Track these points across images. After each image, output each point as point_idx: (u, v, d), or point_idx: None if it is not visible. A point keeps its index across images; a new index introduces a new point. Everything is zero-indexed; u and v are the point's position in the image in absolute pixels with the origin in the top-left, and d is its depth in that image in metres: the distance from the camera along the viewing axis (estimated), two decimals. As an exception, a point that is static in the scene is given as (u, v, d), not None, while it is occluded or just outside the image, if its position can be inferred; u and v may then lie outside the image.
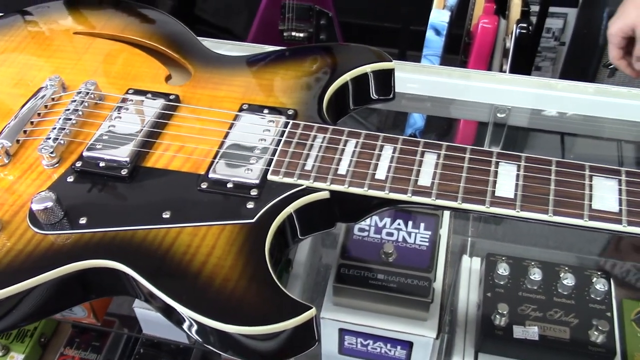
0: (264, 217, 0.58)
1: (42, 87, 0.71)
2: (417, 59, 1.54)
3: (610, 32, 1.04)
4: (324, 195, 0.59)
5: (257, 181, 0.60)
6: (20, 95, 0.71)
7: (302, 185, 0.59)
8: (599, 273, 0.75)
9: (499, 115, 0.80)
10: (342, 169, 0.59)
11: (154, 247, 0.57)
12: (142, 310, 0.76)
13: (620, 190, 0.55)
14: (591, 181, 0.56)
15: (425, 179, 0.58)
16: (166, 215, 0.59)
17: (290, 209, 0.58)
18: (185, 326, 0.55)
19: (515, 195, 0.56)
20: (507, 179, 0.57)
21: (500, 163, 0.58)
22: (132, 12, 0.81)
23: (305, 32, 1.83)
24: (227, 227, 0.57)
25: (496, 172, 0.57)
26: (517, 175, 0.57)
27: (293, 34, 1.83)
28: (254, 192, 0.59)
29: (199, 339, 0.55)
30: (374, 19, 2.19)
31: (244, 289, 0.53)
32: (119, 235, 0.58)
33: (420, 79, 0.82)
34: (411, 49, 2.00)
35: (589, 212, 0.54)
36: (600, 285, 0.73)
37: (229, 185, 0.60)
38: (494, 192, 0.56)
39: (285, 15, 1.81)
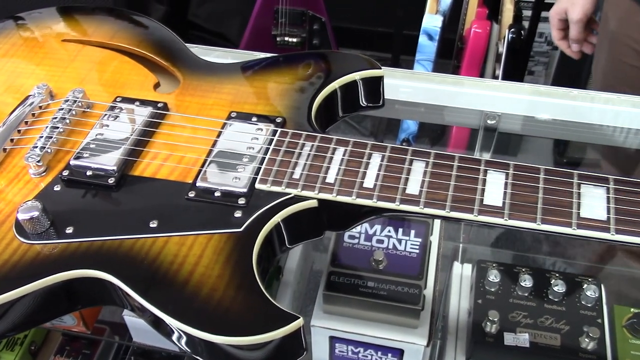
0: (252, 226, 0.57)
1: (30, 95, 0.70)
2: (410, 64, 1.55)
3: (550, 14, 1.14)
4: (312, 204, 0.59)
5: (245, 190, 0.60)
6: (8, 103, 0.71)
7: (290, 194, 0.59)
8: (589, 279, 0.75)
9: (489, 121, 0.80)
10: (330, 177, 0.59)
11: (141, 257, 0.56)
12: (132, 319, 0.76)
13: (608, 198, 0.55)
14: (579, 189, 0.56)
15: (413, 188, 0.58)
16: (153, 224, 0.58)
17: (278, 217, 0.58)
18: (172, 337, 0.55)
19: (504, 203, 0.56)
20: (495, 187, 0.57)
21: (488, 171, 0.58)
22: (121, 19, 0.80)
23: (298, 37, 1.84)
24: (214, 236, 0.57)
25: (484, 181, 0.57)
26: (506, 184, 0.57)
27: (286, 39, 1.83)
28: (241, 201, 0.59)
29: (187, 349, 0.55)
30: (367, 23, 2.19)
31: (231, 299, 0.53)
32: (105, 245, 0.57)
33: (412, 86, 0.82)
34: (404, 54, 2.00)
35: (577, 221, 0.54)
36: (590, 291, 0.73)
37: (217, 194, 0.60)
38: (482, 200, 0.56)
39: (278, 21, 1.81)
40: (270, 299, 0.53)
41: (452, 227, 0.92)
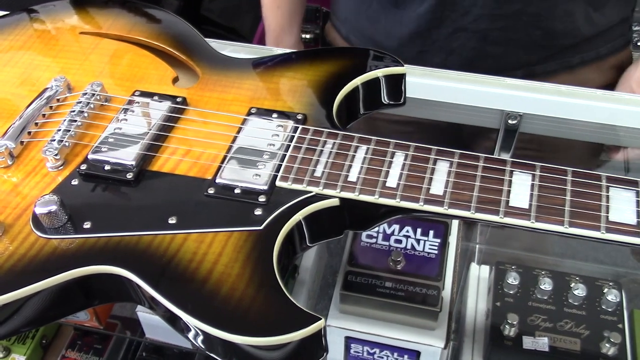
0: (272, 224, 0.56)
1: (47, 88, 0.70)
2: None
3: None
4: (334, 202, 0.58)
5: (266, 187, 0.59)
6: (25, 96, 0.70)
7: (311, 192, 0.58)
8: (610, 283, 0.74)
9: (510, 121, 0.78)
10: (353, 175, 0.58)
11: (159, 254, 0.55)
12: (145, 315, 0.75)
13: (638, 202, 0.54)
14: (608, 192, 0.54)
15: (437, 188, 0.56)
16: (172, 220, 0.58)
17: (299, 216, 0.57)
18: (189, 335, 0.54)
19: (530, 205, 0.54)
20: (521, 188, 0.56)
21: (514, 172, 0.57)
22: (139, 12, 0.80)
23: (311, 34, 1.82)
24: (234, 234, 0.56)
25: (510, 182, 0.56)
26: (532, 185, 0.56)
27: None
28: (262, 199, 0.58)
29: (203, 347, 0.54)
30: (380, 20, 2.17)
31: (251, 298, 0.52)
32: (123, 241, 0.57)
33: (431, 84, 0.81)
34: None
35: (606, 224, 0.53)
36: (611, 295, 0.72)
37: (237, 190, 0.59)
38: (507, 202, 0.55)
39: (291, 16, 1.80)
40: (291, 298, 0.52)
41: (469, 228, 0.91)
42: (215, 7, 1.95)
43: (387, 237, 0.75)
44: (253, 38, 1.84)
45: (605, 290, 0.73)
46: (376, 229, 0.75)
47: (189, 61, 0.73)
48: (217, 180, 0.60)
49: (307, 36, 1.82)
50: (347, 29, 0.99)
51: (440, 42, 0.90)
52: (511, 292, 0.74)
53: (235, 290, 0.52)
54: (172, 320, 0.54)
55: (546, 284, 0.73)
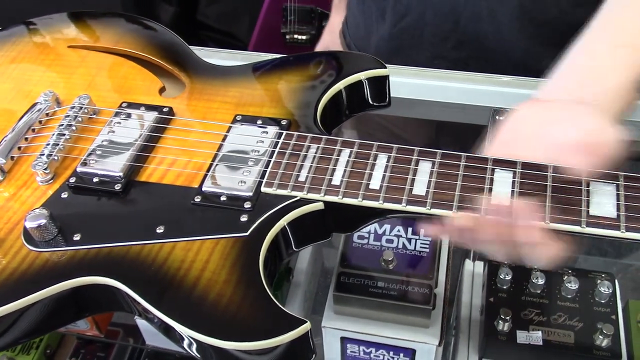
0: (258, 230, 0.57)
1: (37, 103, 0.71)
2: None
3: None
4: (318, 206, 0.58)
5: (251, 193, 0.59)
6: (16, 111, 0.71)
7: (296, 196, 0.59)
8: (603, 275, 0.74)
9: (498, 117, 0.78)
10: (336, 179, 0.59)
11: (148, 263, 0.56)
12: (144, 321, 0.76)
13: (618, 195, 0.54)
14: (589, 187, 0.55)
15: (420, 188, 0.57)
16: (160, 230, 0.58)
17: (283, 221, 0.58)
18: (180, 342, 0.55)
19: (511, 203, 0.55)
20: (503, 186, 0.56)
21: (496, 170, 0.57)
22: (126, 23, 0.80)
23: (307, 35, 1.83)
24: (220, 241, 0.57)
25: (492, 180, 0.56)
26: (513, 182, 0.56)
27: (295, 36, 1.83)
28: (247, 205, 0.59)
29: (196, 354, 0.55)
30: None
31: (238, 304, 0.53)
32: (113, 251, 0.57)
33: (417, 83, 0.81)
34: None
35: (587, 219, 0.53)
36: (604, 287, 0.72)
37: (223, 198, 0.60)
38: (489, 200, 0.55)
39: (287, 18, 1.80)
40: (277, 303, 0.53)
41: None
42: (211, 12, 1.96)
43: (378, 237, 0.75)
44: (249, 42, 1.85)
45: (598, 281, 0.72)
46: (367, 229, 0.75)
47: (175, 71, 0.74)
48: (204, 189, 0.61)
49: (303, 37, 1.83)
50: (352, 41, 0.99)
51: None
52: (504, 288, 0.74)
53: (222, 297, 0.53)
54: (163, 328, 0.55)
55: (539, 278, 0.73)
